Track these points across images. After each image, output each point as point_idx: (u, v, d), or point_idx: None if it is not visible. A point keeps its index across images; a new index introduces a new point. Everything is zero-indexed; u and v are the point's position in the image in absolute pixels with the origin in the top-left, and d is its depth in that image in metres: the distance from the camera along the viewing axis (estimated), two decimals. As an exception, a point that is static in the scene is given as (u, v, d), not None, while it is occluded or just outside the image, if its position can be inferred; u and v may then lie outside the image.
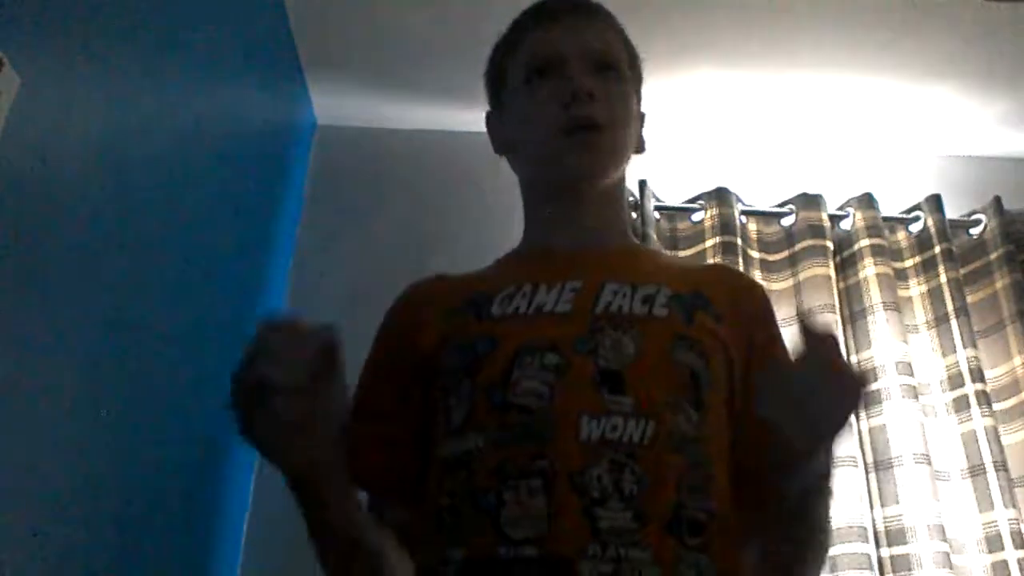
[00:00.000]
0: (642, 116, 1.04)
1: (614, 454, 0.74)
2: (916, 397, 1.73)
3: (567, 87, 0.91)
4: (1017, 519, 1.62)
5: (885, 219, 1.98)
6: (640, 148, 1.02)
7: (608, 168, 0.94)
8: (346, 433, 0.91)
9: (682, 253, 1.94)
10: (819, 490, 0.82)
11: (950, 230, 1.96)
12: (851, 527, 1.60)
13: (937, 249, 1.93)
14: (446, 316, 0.89)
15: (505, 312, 0.85)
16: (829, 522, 0.85)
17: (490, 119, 1.05)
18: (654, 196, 1.95)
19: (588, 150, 0.91)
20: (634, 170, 2.02)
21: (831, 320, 1.80)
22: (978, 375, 1.76)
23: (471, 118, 2.16)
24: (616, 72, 0.95)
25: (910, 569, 1.58)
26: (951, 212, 2.00)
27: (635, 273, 0.88)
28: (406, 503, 0.88)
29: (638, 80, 1.02)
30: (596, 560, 0.70)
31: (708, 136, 2.19)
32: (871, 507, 1.68)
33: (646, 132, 1.04)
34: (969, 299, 1.89)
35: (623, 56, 0.98)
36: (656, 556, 0.71)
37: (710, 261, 1.85)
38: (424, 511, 0.83)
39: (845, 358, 0.77)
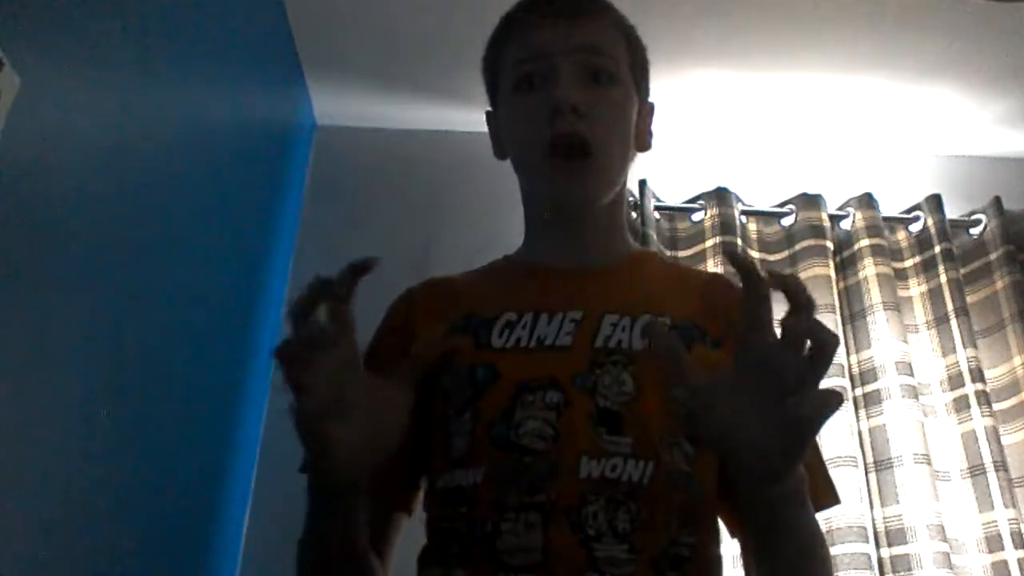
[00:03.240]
0: (651, 107, 0.98)
1: (613, 492, 0.75)
2: (916, 397, 1.73)
3: (551, 100, 0.85)
4: (1017, 519, 1.62)
5: (885, 219, 1.98)
6: (645, 146, 0.96)
7: (598, 193, 0.90)
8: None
9: (682, 253, 1.94)
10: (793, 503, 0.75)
11: (950, 230, 1.96)
12: (851, 527, 1.61)
13: (937, 249, 1.93)
14: (445, 333, 0.87)
15: (506, 345, 0.84)
16: (819, 532, 0.80)
17: (489, 119, 1.01)
18: (654, 196, 1.95)
19: (573, 177, 0.86)
20: (634, 170, 2.03)
21: (831, 320, 1.80)
22: (978, 375, 1.76)
23: (471, 118, 2.18)
24: (612, 78, 0.89)
25: (910, 569, 1.58)
26: (951, 212, 2.01)
27: (635, 300, 0.86)
28: (392, 505, 0.88)
29: (642, 73, 0.95)
30: None
31: (708, 136, 2.19)
32: (871, 507, 1.68)
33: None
34: (969, 299, 1.89)
35: (621, 54, 0.91)
36: None
37: (710, 267, 1.85)
38: (427, 529, 0.84)
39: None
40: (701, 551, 0.78)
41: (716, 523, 0.82)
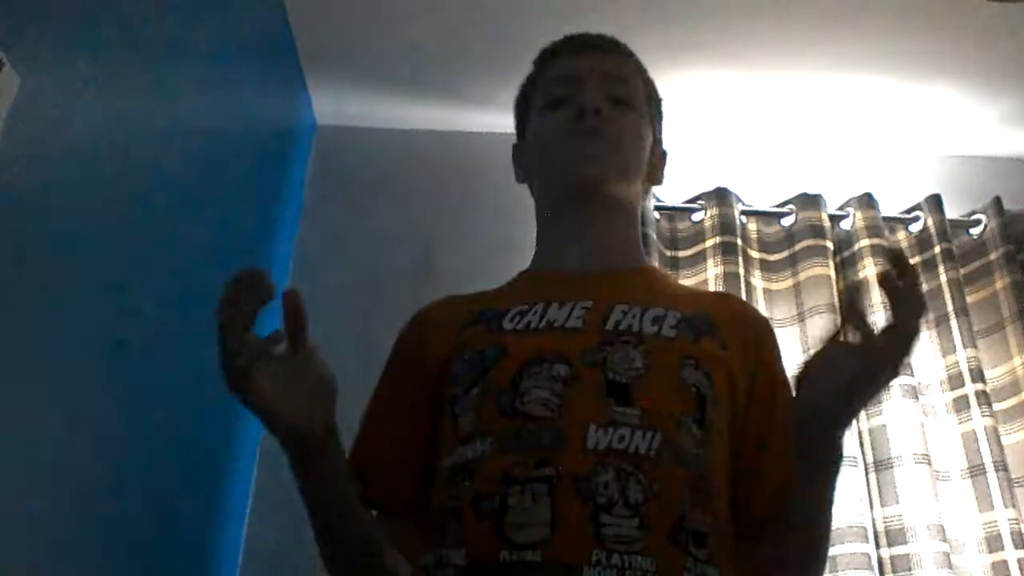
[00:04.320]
0: (664, 154, 1.08)
1: (621, 463, 0.75)
2: (916, 397, 1.73)
3: (577, 105, 0.95)
4: (1017, 519, 1.62)
5: (885, 219, 1.98)
6: (657, 180, 1.07)
7: (611, 170, 0.95)
8: (360, 453, 0.92)
9: (682, 253, 1.95)
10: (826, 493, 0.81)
11: (950, 230, 1.96)
12: (851, 527, 1.60)
13: (937, 249, 1.93)
14: (456, 330, 0.90)
15: (516, 327, 0.86)
16: (830, 523, 0.84)
17: (515, 151, 1.09)
18: (654, 196, 1.95)
19: (589, 146, 0.94)
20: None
21: (831, 320, 1.80)
22: (978, 375, 1.76)
23: (471, 118, 2.18)
24: (630, 105, 0.99)
25: (910, 569, 1.58)
26: (951, 212, 2.00)
27: (645, 296, 0.89)
28: (417, 519, 0.88)
29: (656, 117, 1.06)
30: (600, 567, 0.70)
31: (708, 136, 2.19)
32: (871, 507, 1.68)
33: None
34: (969, 299, 1.89)
35: (640, 92, 1.02)
36: (659, 565, 0.71)
37: (710, 267, 1.85)
38: (428, 516, 0.84)
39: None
40: (720, 531, 0.78)
41: (726, 508, 0.82)
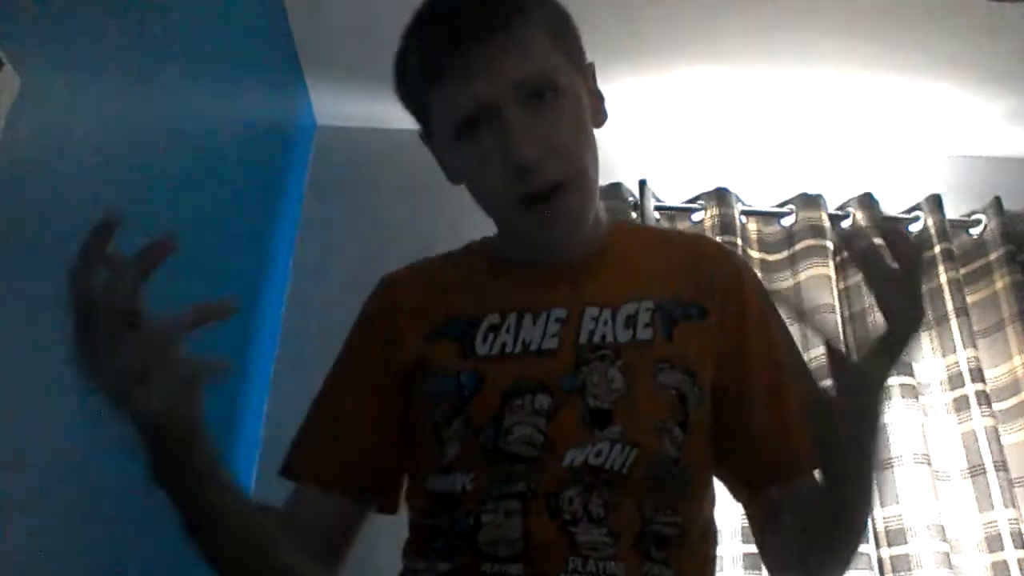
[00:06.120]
0: (591, 68, 0.90)
1: (591, 479, 0.75)
2: (916, 397, 1.73)
3: (511, 159, 0.78)
4: (1017, 519, 1.62)
5: (885, 219, 1.98)
6: (601, 121, 0.89)
7: (584, 215, 0.85)
8: (310, 429, 0.90)
9: (682, 253, 1.95)
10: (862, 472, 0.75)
11: (950, 230, 1.96)
12: (851, 527, 1.61)
13: (937, 249, 1.93)
14: (427, 336, 0.86)
15: (491, 352, 0.83)
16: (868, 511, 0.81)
17: (430, 146, 0.96)
18: (654, 196, 1.95)
19: (556, 222, 0.82)
20: (634, 170, 2.04)
21: (831, 320, 1.80)
22: (978, 375, 1.77)
23: (471, 118, 2.17)
24: (555, 89, 0.81)
25: (910, 569, 1.59)
26: (951, 212, 2.01)
27: (616, 287, 0.86)
28: (377, 504, 0.88)
29: (572, 46, 0.87)
30: (577, 574, 0.72)
31: (708, 136, 2.19)
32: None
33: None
34: (969, 299, 1.89)
35: (551, 54, 0.83)
36: (627, 571, 0.73)
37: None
38: (410, 525, 0.84)
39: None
40: (688, 529, 0.78)
41: (704, 502, 0.83)
